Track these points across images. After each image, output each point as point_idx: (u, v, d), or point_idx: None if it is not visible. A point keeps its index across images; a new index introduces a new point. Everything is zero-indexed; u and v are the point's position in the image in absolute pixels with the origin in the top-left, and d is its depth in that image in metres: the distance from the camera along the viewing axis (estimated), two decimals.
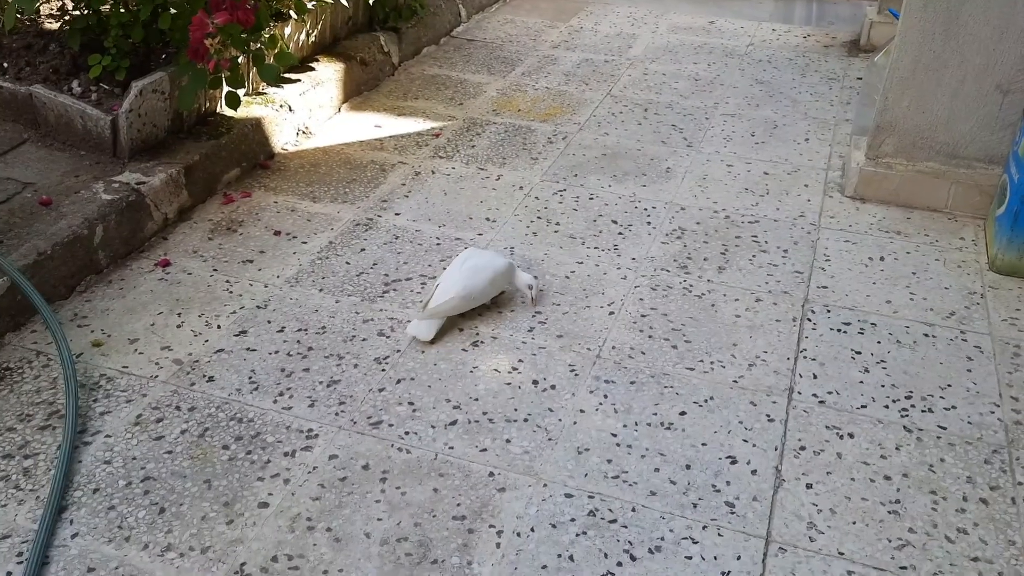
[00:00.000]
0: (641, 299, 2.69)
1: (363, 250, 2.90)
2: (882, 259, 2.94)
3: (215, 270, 2.76)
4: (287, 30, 3.73)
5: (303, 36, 3.86)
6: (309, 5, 3.54)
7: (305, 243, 2.93)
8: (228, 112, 3.40)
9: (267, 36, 3.29)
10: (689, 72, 4.49)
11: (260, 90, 3.63)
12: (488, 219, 3.11)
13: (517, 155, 3.57)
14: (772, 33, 5.12)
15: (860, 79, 4.40)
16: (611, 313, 2.63)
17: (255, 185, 3.28)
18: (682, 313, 2.64)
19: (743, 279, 2.80)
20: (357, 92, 4.08)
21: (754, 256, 2.93)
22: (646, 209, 3.20)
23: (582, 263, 2.86)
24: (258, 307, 2.60)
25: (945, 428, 2.24)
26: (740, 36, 5.05)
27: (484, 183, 3.35)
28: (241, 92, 3.43)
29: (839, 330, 2.59)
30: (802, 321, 2.62)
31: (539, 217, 3.13)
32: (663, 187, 3.35)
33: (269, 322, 2.54)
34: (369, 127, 3.79)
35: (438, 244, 2.94)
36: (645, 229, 3.07)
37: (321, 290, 2.69)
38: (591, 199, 3.25)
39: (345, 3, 3.76)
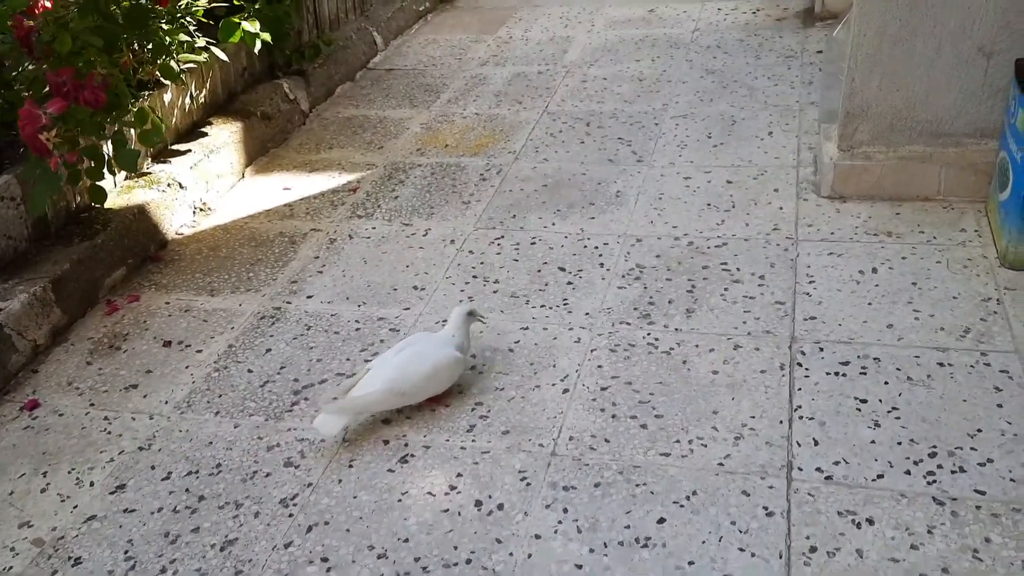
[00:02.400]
0: (600, 366, 2.25)
1: (268, 351, 2.45)
2: (874, 271, 2.51)
3: (92, 405, 2.32)
4: (167, 97, 3.28)
5: (188, 100, 3.41)
6: (181, 69, 3.08)
7: (200, 352, 2.48)
8: (109, 204, 2.96)
9: (134, 111, 2.84)
10: (632, 72, 4.04)
11: (145, 169, 3.19)
12: (416, 287, 2.67)
13: (447, 201, 3.13)
14: (718, 14, 4.68)
15: (820, 52, 3.97)
16: (565, 391, 2.19)
17: (144, 284, 2.83)
18: (649, 378, 2.20)
19: (716, 321, 2.36)
20: (262, 151, 3.64)
21: (726, 289, 2.49)
22: (597, 247, 2.75)
23: (527, 328, 2.42)
24: (140, 448, 2.15)
25: (984, 493, 1.81)
26: (684, 22, 4.61)
27: (410, 241, 2.91)
28: (118, 178, 2.99)
29: (837, 373, 2.15)
30: (791, 368, 2.18)
31: (475, 276, 2.69)
32: (614, 216, 2.91)
33: (153, 468, 2.09)
34: (277, 191, 3.34)
35: (358, 329, 2.50)
36: (598, 273, 2.63)
37: (217, 413, 2.24)
38: (533, 244, 2.81)
39: (225, 58, 3.31)
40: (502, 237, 2.87)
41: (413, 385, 2.13)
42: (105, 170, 2.66)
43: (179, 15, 3.12)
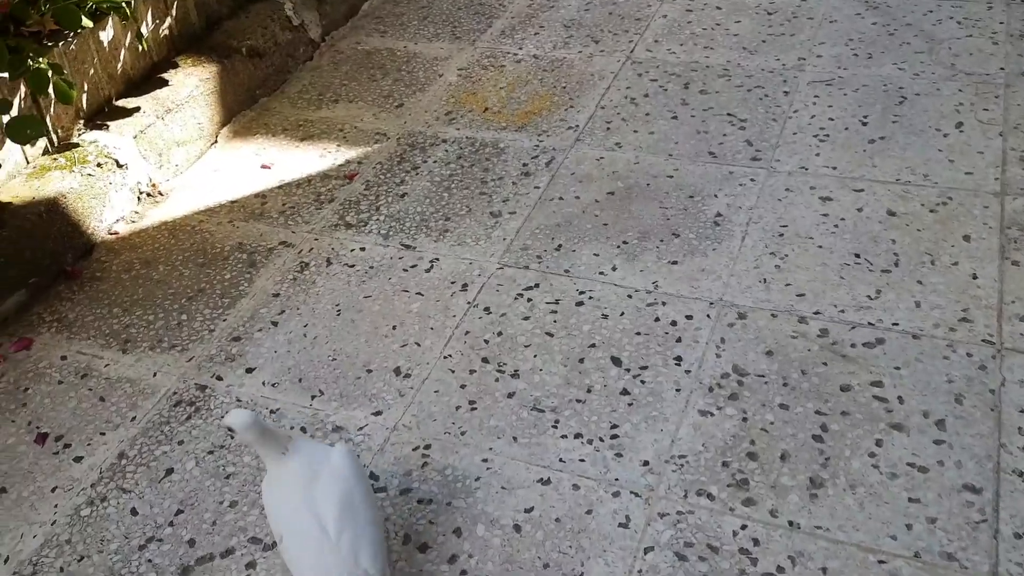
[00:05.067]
0: None
1: (169, 473, 1.66)
2: None
3: None
4: (106, 35, 2.41)
5: (147, 32, 2.53)
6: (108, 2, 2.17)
7: (80, 460, 1.71)
8: (6, 197, 2.17)
9: (43, 63, 1.99)
10: (757, 0, 2.93)
11: (72, 140, 2.36)
12: (399, 370, 1.81)
13: (469, 208, 2.21)
14: None
15: None
16: None
17: (45, 320, 2.05)
18: None
19: (858, 519, 1.42)
20: (250, 101, 2.75)
21: (879, 444, 1.53)
22: (675, 323, 1.82)
23: (548, 483, 1.55)
24: None
25: None
26: None
27: (407, 279, 2.03)
28: (29, 152, 2.18)
29: None
30: None
31: (485, 359, 1.80)
32: (708, 263, 1.95)
33: None
34: (253, 170, 2.47)
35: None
36: (671, 375, 1.70)
37: None
38: (580, 306, 1.89)
39: None
40: (535, 287, 1.95)
41: None
42: None
43: None
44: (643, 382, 1.70)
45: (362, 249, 2.13)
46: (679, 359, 1.73)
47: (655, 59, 2.70)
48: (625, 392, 1.68)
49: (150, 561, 1.51)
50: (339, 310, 1.97)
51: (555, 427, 1.64)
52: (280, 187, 2.39)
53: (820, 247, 1.95)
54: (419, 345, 1.85)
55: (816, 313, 1.79)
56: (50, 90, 2.10)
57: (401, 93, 2.72)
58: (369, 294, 2.00)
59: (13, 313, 2.08)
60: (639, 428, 1.61)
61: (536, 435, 1.63)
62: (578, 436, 1.61)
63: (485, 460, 1.59)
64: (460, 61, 2.84)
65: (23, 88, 2.17)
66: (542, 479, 1.55)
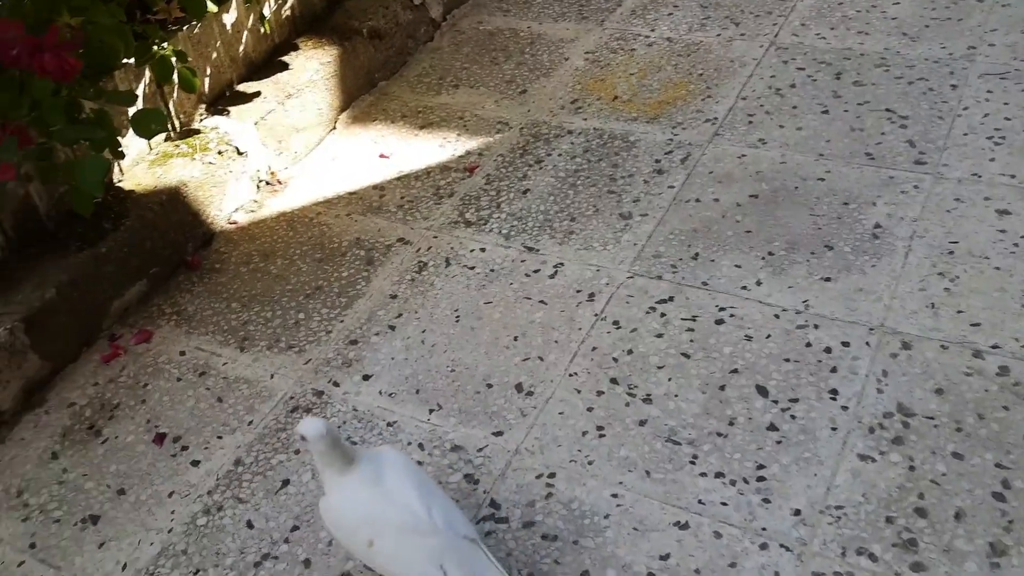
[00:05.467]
0: None
1: (285, 485, 1.60)
2: None
3: (32, 547, 1.59)
4: (229, 18, 2.36)
5: (270, 13, 2.47)
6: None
7: (197, 465, 1.68)
8: (129, 185, 2.15)
9: (168, 50, 1.95)
10: None
11: (194, 125, 2.33)
12: (522, 387, 1.70)
13: (596, 208, 2.07)
14: None
15: None
16: None
17: (165, 312, 2.03)
18: None
19: None
20: (368, 85, 2.67)
21: None
22: (829, 350, 1.64)
23: (687, 528, 1.41)
24: None
25: None
26: None
27: (529, 285, 1.91)
28: (152, 142, 2.16)
29: None
30: None
31: (614, 380, 1.67)
32: (866, 281, 1.75)
33: None
34: (371, 160, 2.39)
35: (418, 464, 1.59)
36: (825, 411, 1.54)
37: None
38: (719, 324, 1.73)
39: None
40: (670, 300, 1.80)
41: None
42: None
43: None
44: (793, 417, 1.54)
45: (482, 250, 2.03)
46: (835, 393, 1.56)
47: (802, 45, 2.48)
48: (773, 427, 1.53)
49: None
50: (458, 316, 1.87)
51: (693, 463, 1.50)
52: (399, 179, 2.30)
53: (997, 269, 1.73)
54: (542, 360, 1.74)
55: (994, 347, 1.59)
56: (174, 78, 2.06)
57: (524, 78, 2.59)
58: (489, 300, 1.89)
59: (135, 303, 2.06)
60: (789, 471, 1.46)
61: (672, 471, 1.49)
62: (719, 475, 1.47)
63: (615, 495, 1.47)
64: (587, 43, 2.68)
65: (147, 74, 2.15)
66: (679, 522, 1.42)
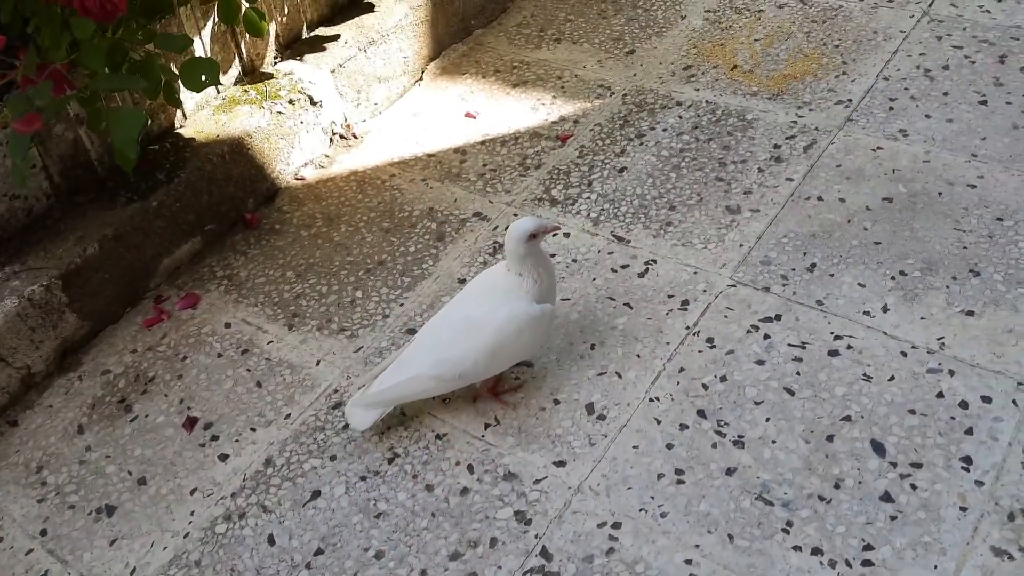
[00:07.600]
0: None
1: (315, 497, 1.43)
2: None
3: (43, 534, 1.47)
4: None
5: None
6: None
7: (225, 459, 1.52)
8: (190, 132, 1.98)
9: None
10: None
11: (264, 69, 2.14)
12: (592, 407, 1.46)
13: (701, 198, 1.80)
14: None
15: None
16: None
17: (215, 275, 1.87)
18: None
19: None
20: (461, 33, 2.42)
21: None
22: (965, 405, 1.35)
23: None
24: None
25: None
26: None
27: (613, 284, 1.67)
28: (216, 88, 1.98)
29: None
30: None
31: (701, 412, 1.43)
32: (1018, 321, 1.44)
33: None
34: (457, 118, 2.16)
35: (464, 491, 1.39)
36: (956, 484, 1.26)
37: None
38: (833, 356, 1.46)
39: None
40: (776, 319, 1.54)
41: (470, 368, 1.41)
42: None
43: None
44: (914, 487, 1.27)
45: (566, 235, 1.79)
46: (968, 461, 1.28)
47: (962, 18, 2.11)
48: (888, 498, 1.27)
49: None
50: None
51: (786, 531, 1.26)
52: (483, 142, 2.07)
53: None
54: (620, 376, 1.50)
55: None
56: (239, 18, 1.86)
57: (634, 37, 2.30)
58: (567, 296, 1.66)
59: (186, 262, 1.91)
60: (903, 557, 1.20)
61: (760, 538, 1.26)
62: (816, 552, 1.22)
63: (689, 561, 1.24)
64: (709, 1, 2.37)
65: (215, 15, 1.96)
66: None
